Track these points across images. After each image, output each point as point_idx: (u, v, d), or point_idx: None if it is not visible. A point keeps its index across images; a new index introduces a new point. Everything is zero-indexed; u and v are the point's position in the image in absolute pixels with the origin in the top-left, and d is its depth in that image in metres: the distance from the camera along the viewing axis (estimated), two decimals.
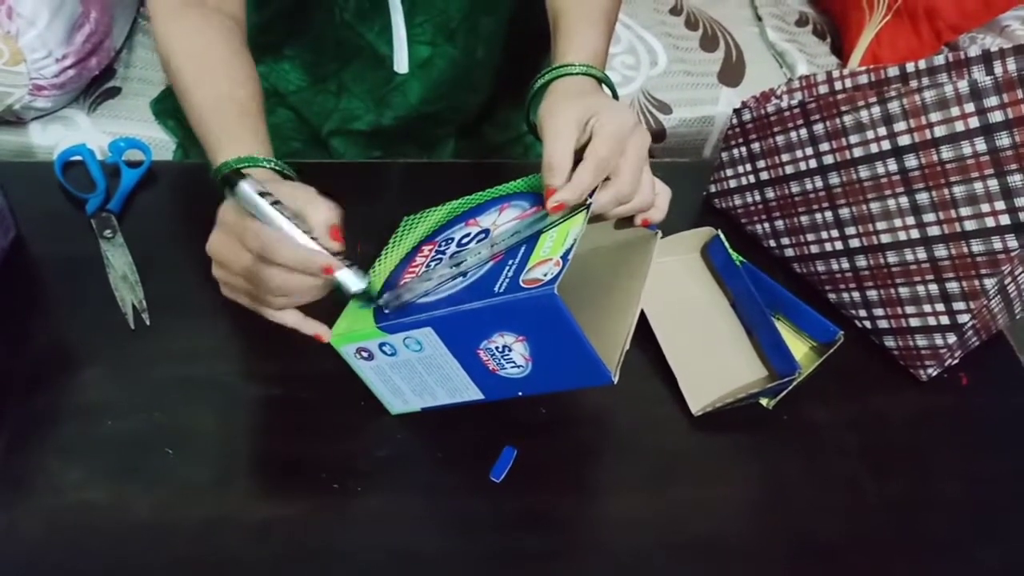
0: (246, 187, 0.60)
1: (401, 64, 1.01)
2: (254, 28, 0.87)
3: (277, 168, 0.70)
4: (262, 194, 0.60)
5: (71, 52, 1.23)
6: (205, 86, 0.76)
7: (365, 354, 0.68)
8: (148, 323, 0.78)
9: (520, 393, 0.66)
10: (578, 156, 0.66)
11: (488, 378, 0.66)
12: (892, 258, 0.80)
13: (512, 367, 0.64)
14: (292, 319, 0.65)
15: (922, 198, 0.77)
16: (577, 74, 0.74)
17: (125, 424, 0.71)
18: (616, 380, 0.62)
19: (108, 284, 0.80)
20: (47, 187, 0.89)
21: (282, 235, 0.60)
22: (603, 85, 0.75)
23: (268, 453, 0.71)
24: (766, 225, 0.91)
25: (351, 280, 0.62)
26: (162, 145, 1.24)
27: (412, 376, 0.68)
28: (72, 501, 0.66)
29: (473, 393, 0.68)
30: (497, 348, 0.63)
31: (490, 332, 0.62)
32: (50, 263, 0.83)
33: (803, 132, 0.84)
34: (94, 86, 1.35)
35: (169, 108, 1.25)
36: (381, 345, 0.66)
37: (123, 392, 0.73)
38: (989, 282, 0.75)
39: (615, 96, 0.77)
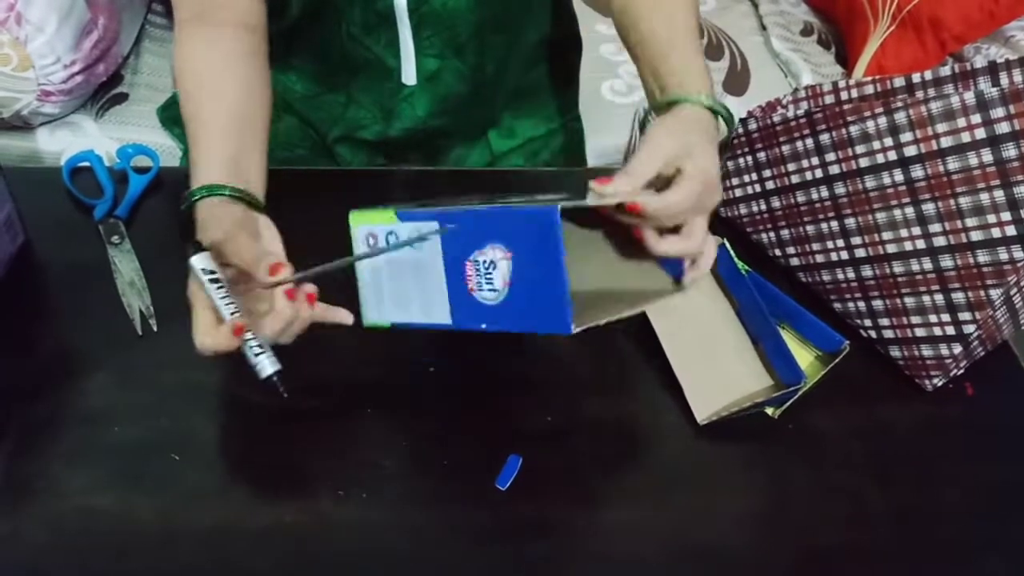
0: (195, 263, 0.67)
1: (409, 76, 1.01)
2: None
3: (236, 196, 0.72)
4: (212, 271, 0.67)
5: (79, 58, 1.24)
6: (195, 109, 0.79)
7: (372, 240, 0.69)
8: (155, 329, 0.78)
9: (484, 326, 0.66)
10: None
11: (463, 299, 0.66)
12: (898, 268, 0.80)
13: (489, 290, 0.65)
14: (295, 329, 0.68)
15: (928, 208, 0.77)
16: (703, 105, 0.73)
17: (131, 430, 0.71)
18: (574, 331, 0.62)
19: (115, 290, 0.80)
20: (55, 193, 0.89)
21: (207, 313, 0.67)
22: (718, 117, 0.75)
23: (273, 460, 0.71)
24: (772, 234, 0.91)
25: (263, 366, 0.66)
26: (169, 151, 1.24)
27: (399, 279, 0.69)
28: (77, 507, 0.67)
29: (442, 315, 0.68)
30: (484, 263, 0.64)
31: (484, 242, 0.63)
32: (58, 269, 0.83)
33: (809, 142, 0.84)
34: (101, 92, 1.35)
35: (175, 115, 1.25)
36: (388, 234, 0.68)
37: (129, 398, 0.73)
38: (995, 293, 0.75)
39: (730, 125, 0.76)
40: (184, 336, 0.78)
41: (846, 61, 1.74)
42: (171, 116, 1.27)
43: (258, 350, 0.66)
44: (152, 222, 0.88)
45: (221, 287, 0.67)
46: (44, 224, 0.85)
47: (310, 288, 0.68)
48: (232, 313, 0.66)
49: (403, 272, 0.69)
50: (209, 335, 0.66)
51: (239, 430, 0.72)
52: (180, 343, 0.77)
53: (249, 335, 0.66)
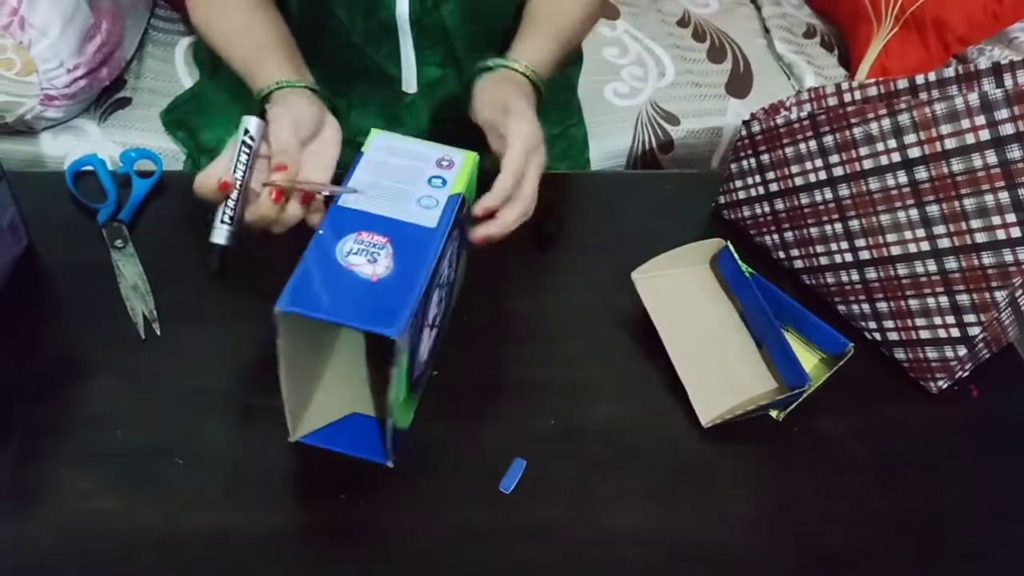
0: (246, 122, 0.73)
1: (409, 84, 1.01)
2: None
3: (308, 87, 0.82)
4: (251, 135, 0.73)
5: (82, 62, 1.24)
6: (242, 36, 0.89)
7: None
8: (159, 333, 0.78)
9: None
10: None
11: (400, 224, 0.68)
12: (902, 270, 0.80)
13: (367, 261, 0.64)
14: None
15: (932, 210, 0.77)
16: (520, 72, 0.85)
17: (135, 434, 0.71)
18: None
19: (119, 294, 0.80)
20: (58, 197, 0.89)
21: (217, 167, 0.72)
22: (536, 90, 0.86)
23: (276, 464, 0.71)
24: (775, 236, 0.91)
25: (217, 232, 0.71)
26: (172, 155, 1.24)
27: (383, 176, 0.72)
28: (81, 510, 0.67)
29: (402, 210, 0.69)
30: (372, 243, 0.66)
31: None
32: (61, 273, 0.83)
33: (812, 144, 0.84)
34: (104, 96, 1.35)
35: (178, 118, 1.26)
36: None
37: (133, 402, 0.73)
38: (1000, 294, 0.75)
39: (536, 85, 0.86)
40: (187, 340, 0.78)
41: (849, 64, 1.73)
42: (174, 119, 1.27)
43: (226, 216, 0.71)
44: (155, 226, 0.88)
45: (247, 149, 0.72)
46: (47, 228, 0.85)
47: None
48: (235, 174, 0.71)
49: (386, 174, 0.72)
50: (204, 176, 0.71)
51: (242, 434, 0.72)
52: (183, 347, 0.78)
53: (231, 200, 0.71)
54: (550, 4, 0.94)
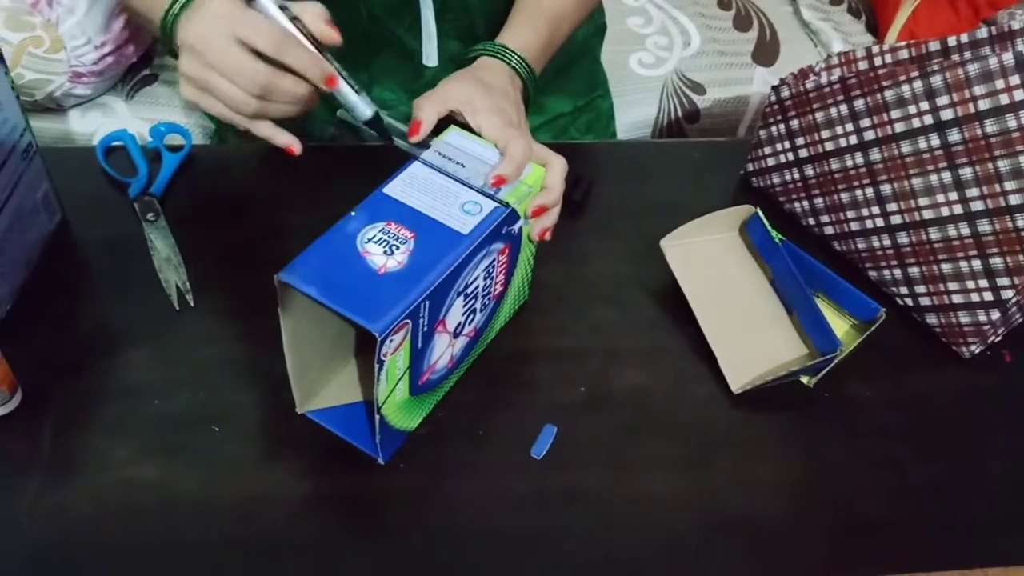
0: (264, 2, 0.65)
1: (430, 58, 1.01)
2: None
3: None
4: (281, 7, 0.66)
5: (109, 39, 1.24)
6: None
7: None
8: (192, 304, 0.79)
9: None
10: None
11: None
12: (934, 234, 0.79)
13: (383, 252, 0.63)
14: (266, 129, 0.68)
15: (965, 173, 0.76)
16: (510, 64, 0.85)
17: (171, 403, 0.72)
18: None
19: (152, 266, 0.81)
20: (90, 172, 0.90)
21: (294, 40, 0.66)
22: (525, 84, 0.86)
23: (311, 431, 0.72)
24: (805, 203, 0.90)
25: (355, 101, 0.72)
26: (201, 130, 1.25)
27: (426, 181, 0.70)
28: (119, 479, 0.68)
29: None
30: (394, 235, 0.64)
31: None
32: (95, 246, 0.84)
33: (843, 108, 0.83)
34: (132, 73, 1.36)
35: None
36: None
37: (168, 372, 0.74)
38: None
39: (528, 93, 0.87)
40: (220, 311, 0.79)
41: (877, 30, 1.71)
42: None
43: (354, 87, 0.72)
44: (186, 199, 0.89)
45: (299, 21, 0.68)
46: (80, 203, 0.86)
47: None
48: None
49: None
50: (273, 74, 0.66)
51: (277, 402, 0.73)
52: (217, 318, 0.79)
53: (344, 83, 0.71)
54: None
